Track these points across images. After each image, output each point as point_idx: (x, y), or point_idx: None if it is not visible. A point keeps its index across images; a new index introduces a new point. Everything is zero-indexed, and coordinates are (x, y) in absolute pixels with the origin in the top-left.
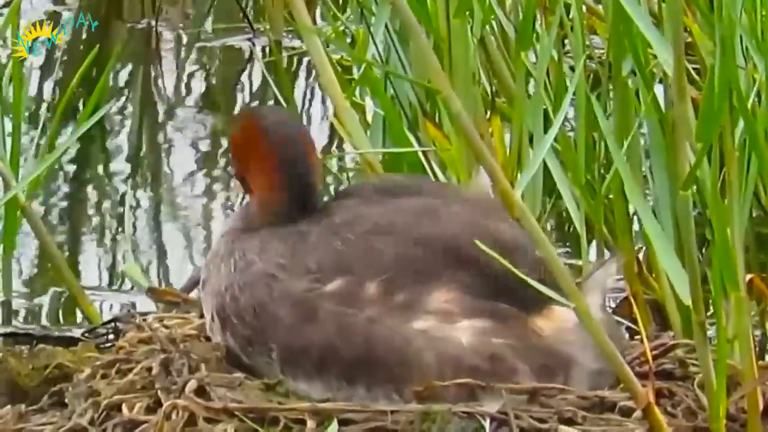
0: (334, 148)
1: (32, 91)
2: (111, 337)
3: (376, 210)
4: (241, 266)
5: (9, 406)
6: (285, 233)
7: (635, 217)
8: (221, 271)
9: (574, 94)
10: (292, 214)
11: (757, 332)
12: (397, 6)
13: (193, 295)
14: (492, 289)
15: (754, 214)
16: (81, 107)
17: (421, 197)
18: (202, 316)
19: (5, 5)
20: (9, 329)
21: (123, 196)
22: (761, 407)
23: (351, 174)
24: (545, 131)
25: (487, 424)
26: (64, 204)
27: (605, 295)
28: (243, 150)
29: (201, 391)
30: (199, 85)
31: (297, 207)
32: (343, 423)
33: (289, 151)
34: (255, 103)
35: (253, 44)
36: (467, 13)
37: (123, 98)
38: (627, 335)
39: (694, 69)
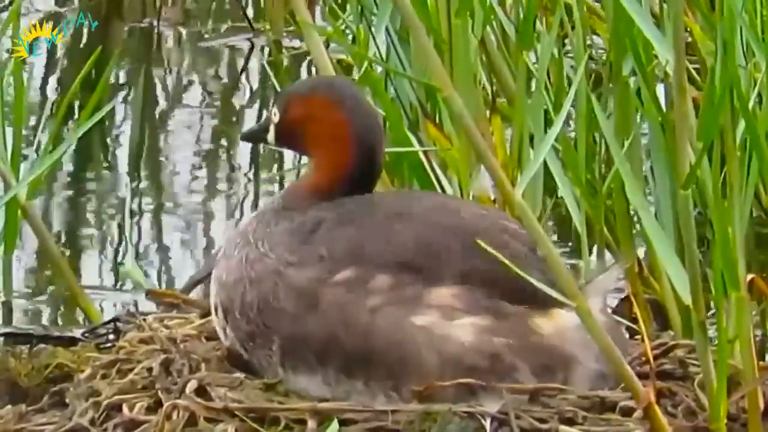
0: None
1: (33, 91)
2: (111, 337)
3: (392, 200)
4: (252, 257)
5: (9, 406)
6: (302, 228)
7: (636, 217)
8: (233, 258)
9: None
10: (353, 188)
11: (758, 332)
12: (399, 4)
13: (193, 295)
14: (498, 288)
15: (754, 214)
16: (81, 107)
17: (439, 197)
18: (202, 316)
19: (4, 9)
20: (9, 329)
21: (123, 195)
22: (762, 407)
23: None
24: (546, 131)
25: (487, 424)
26: (65, 204)
27: (606, 299)
28: (313, 121)
29: (201, 391)
30: (199, 85)
31: (360, 181)
32: (343, 423)
33: (368, 127)
34: (255, 104)
35: (253, 44)
36: (468, 13)
37: (123, 98)
38: (627, 335)
39: (694, 69)
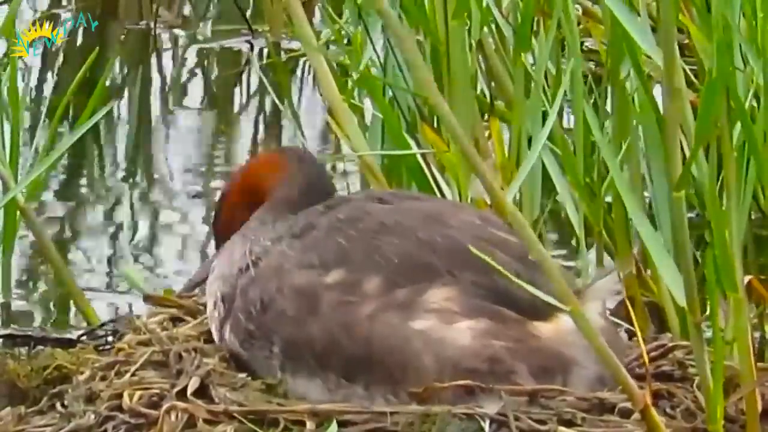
0: (332, 150)
1: (30, 92)
2: (110, 338)
3: (383, 209)
4: (253, 258)
5: (8, 408)
6: (296, 227)
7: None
8: (233, 257)
9: (568, 94)
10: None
11: (756, 334)
12: (387, 21)
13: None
14: (495, 296)
15: (753, 216)
16: (79, 108)
17: (430, 201)
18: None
19: (5, 2)
20: (7, 331)
21: (121, 197)
22: (760, 409)
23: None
24: None
25: (486, 425)
26: (63, 205)
27: (605, 303)
28: (262, 173)
29: (201, 393)
30: (197, 87)
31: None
32: (342, 424)
33: (302, 156)
34: (253, 106)
35: (252, 46)
36: (465, 15)
37: (121, 100)
38: (626, 337)
39: (692, 71)
